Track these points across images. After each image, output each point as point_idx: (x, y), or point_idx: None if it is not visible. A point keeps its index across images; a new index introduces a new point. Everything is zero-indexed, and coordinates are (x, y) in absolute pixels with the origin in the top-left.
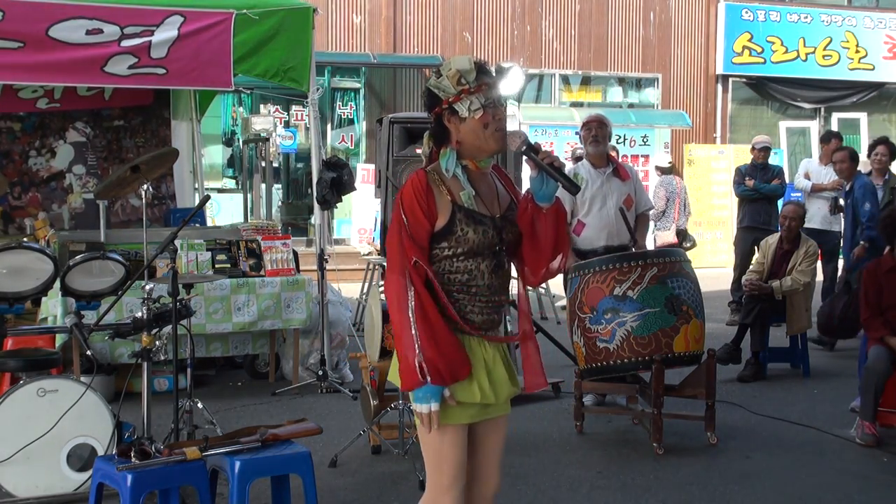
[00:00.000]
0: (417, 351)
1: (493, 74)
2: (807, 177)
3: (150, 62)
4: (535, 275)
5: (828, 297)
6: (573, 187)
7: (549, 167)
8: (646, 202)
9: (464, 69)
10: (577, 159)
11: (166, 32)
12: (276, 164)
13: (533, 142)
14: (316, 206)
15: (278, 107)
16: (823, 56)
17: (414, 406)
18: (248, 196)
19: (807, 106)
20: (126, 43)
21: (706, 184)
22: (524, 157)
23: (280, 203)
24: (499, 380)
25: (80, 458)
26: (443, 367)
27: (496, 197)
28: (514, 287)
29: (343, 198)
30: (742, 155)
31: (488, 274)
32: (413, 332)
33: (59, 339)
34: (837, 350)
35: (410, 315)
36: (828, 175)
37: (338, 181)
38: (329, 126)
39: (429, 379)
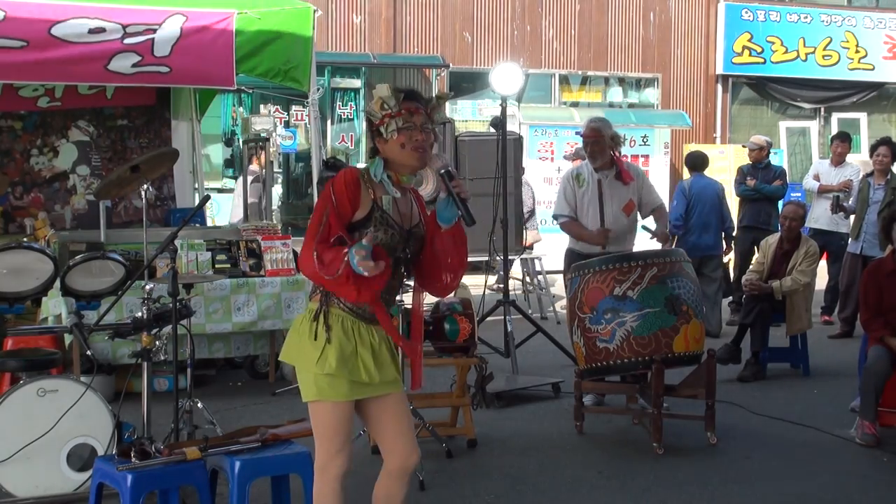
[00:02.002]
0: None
1: (426, 101)
2: (816, 178)
3: (154, 60)
4: (433, 286)
5: None
6: (469, 221)
7: (456, 196)
8: (654, 200)
9: (384, 96)
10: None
11: (169, 31)
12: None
13: (451, 169)
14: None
15: (278, 107)
16: (823, 56)
17: (359, 263)
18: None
19: (807, 106)
20: (129, 41)
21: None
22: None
23: (280, 203)
24: (383, 362)
25: (80, 458)
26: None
27: (409, 212)
28: (513, 286)
29: None
30: (742, 155)
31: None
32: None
33: (69, 338)
34: (837, 350)
35: (316, 262)
36: (837, 176)
37: None
38: (329, 126)
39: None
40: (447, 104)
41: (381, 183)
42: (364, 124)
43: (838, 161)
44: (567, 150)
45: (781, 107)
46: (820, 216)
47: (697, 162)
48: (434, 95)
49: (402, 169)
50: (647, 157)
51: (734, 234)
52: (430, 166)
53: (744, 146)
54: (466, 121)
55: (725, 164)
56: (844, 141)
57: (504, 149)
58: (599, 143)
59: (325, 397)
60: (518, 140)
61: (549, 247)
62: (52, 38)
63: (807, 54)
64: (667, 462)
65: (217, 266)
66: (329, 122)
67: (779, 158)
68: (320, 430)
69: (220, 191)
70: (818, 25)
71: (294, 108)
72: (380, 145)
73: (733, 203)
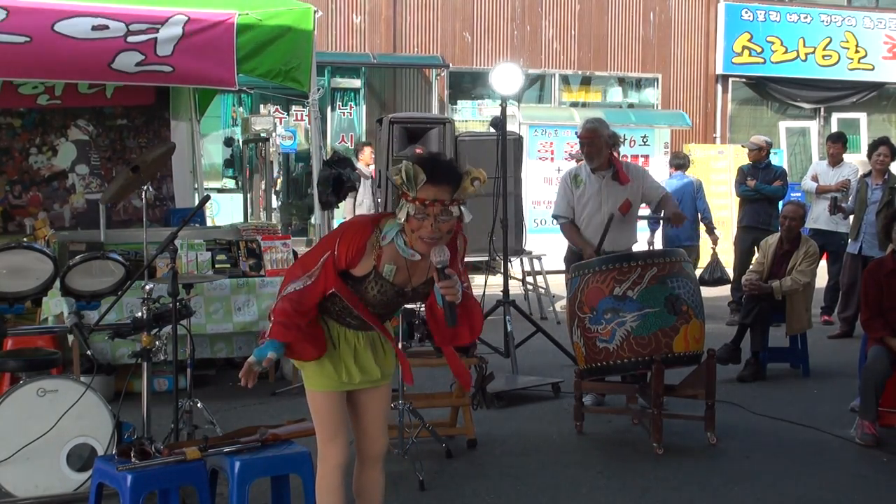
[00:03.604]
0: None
1: (456, 180)
2: (814, 179)
3: (157, 59)
4: (440, 340)
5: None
6: (450, 322)
7: (443, 296)
8: (658, 192)
9: (405, 178)
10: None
11: (171, 31)
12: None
13: (447, 269)
14: (316, 205)
15: (278, 107)
16: (823, 56)
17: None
18: (248, 196)
19: (807, 106)
20: (132, 39)
21: (706, 184)
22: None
23: (280, 203)
24: (365, 363)
25: (80, 458)
26: (288, 335)
27: (419, 271)
28: (516, 286)
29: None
30: (741, 155)
31: (370, 313)
32: (281, 304)
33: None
34: (837, 350)
35: (293, 292)
36: (835, 176)
37: (338, 180)
38: (329, 126)
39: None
40: (448, 106)
41: (391, 245)
42: (364, 124)
43: (834, 162)
44: (567, 149)
45: (781, 107)
46: (819, 216)
47: (681, 162)
48: (469, 173)
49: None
50: (646, 157)
51: (712, 224)
52: (430, 255)
53: (744, 146)
54: (466, 121)
55: (725, 164)
56: (836, 142)
57: (504, 149)
58: (595, 144)
59: (313, 387)
60: (518, 140)
61: (550, 247)
62: (55, 34)
63: (807, 54)
64: (667, 462)
65: (217, 266)
66: (329, 122)
67: (779, 158)
68: (315, 418)
69: (220, 191)
70: (818, 25)
71: (294, 108)
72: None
73: (733, 201)
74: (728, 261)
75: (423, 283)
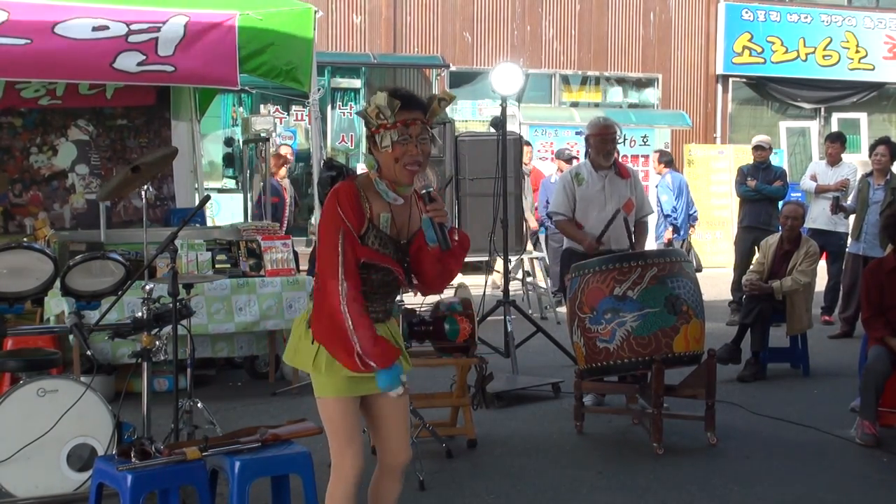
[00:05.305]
0: (356, 345)
1: (426, 106)
2: (813, 178)
3: (158, 59)
4: (425, 291)
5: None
6: (444, 246)
7: (430, 219)
8: (645, 206)
9: (381, 106)
10: (567, 160)
11: (172, 31)
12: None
13: (432, 191)
14: (317, 205)
15: (278, 107)
16: (823, 56)
17: (390, 389)
18: (248, 196)
19: (807, 106)
20: (133, 39)
21: (706, 184)
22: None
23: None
24: None
25: (80, 458)
26: (383, 353)
27: (408, 221)
28: (516, 286)
29: None
30: (742, 155)
31: (379, 283)
32: (349, 326)
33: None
34: (837, 350)
35: (345, 310)
36: (834, 176)
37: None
38: (329, 126)
39: (375, 366)
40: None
41: (377, 194)
42: (363, 123)
43: (833, 161)
44: (568, 149)
45: (781, 107)
46: (818, 216)
47: (670, 159)
48: (434, 96)
49: (395, 182)
50: (646, 157)
51: (696, 219)
52: (413, 184)
53: (757, 144)
54: (466, 121)
55: (725, 164)
56: (835, 142)
57: (504, 149)
58: (615, 141)
59: (325, 394)
60: (518, 140)
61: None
62: (56, 36)
63: (807, 54)
64: (667, 462)
65: (217, 266)
66: (329, 122)
67: (779, 158)
68: (327, 425)
69: (220, 191)
70: (818, 25)
71: (294, 108)
72: (374, 153)
73: (733, 201)
74: (728, 261)
75: (416, 233)
